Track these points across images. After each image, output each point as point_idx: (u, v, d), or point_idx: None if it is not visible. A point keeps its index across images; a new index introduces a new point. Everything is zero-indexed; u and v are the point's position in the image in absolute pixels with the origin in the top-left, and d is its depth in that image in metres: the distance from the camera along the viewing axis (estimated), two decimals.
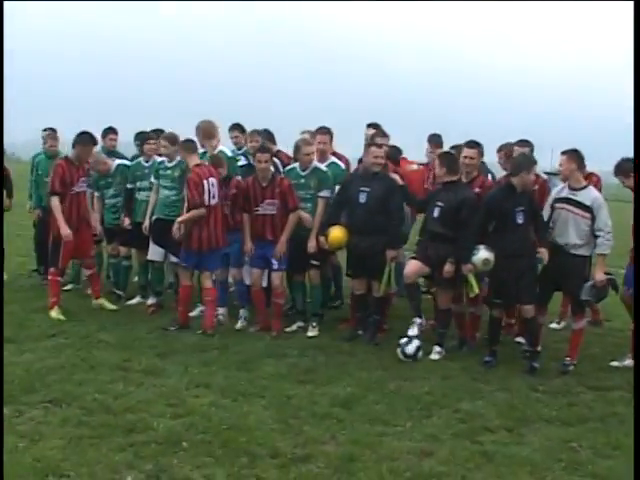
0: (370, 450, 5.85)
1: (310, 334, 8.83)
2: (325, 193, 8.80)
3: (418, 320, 8.45)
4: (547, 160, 8.87)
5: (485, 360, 8.20)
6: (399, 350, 8.27)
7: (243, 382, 7.23)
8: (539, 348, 8.27)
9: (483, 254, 7.99)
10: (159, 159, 9.96)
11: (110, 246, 10.79)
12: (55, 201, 9.31)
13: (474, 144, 8.62)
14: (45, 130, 11.57)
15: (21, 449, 5.55)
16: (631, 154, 8.28)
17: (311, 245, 8.66)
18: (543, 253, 7.99)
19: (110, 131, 11.23)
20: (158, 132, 10.64)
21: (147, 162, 10.28)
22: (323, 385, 7.29)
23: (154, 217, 9.79)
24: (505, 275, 8.02)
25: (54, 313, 9.27)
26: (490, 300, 8.36)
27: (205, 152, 9.57)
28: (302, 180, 8.94)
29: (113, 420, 6.13)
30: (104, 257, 11.36)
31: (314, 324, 8.94)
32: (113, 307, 9.88)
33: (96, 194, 10.57)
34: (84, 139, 9.59)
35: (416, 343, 8.30)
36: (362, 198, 8.64)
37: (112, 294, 10.62)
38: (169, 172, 9.74)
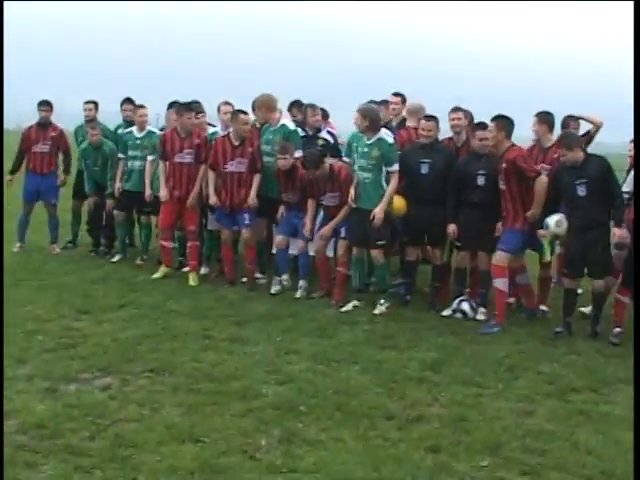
0: (475, 410, 6.04)
1: (376, 312, 8.61)
2: (395, 167, 8.59)
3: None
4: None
5: (556, 331, 8.27)
6: (454, 311, 8.71)
7: (329, 348, 7.34)
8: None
9: (555, 216, 8.09)
10: (211, 130, 9.98)
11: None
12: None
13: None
14: (89, 103, 11.77)
15: (147, 416, 5.61)
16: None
17: (379, 217, 8.49)
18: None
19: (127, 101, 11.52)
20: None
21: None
22: (405, 350, 7.44)
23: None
24: (574, 247, 8.17)
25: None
26: (562, 270, 8.59)
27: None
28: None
29: (221, 387, 6.21)
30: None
31: (382, 301, 8.71)
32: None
33: (149, 158, 10.54)
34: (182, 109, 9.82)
35: (466, 302, 8.72)
36: (424, 169, 8.76)
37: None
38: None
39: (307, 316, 8.39)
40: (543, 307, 9.01)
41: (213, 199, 9.54)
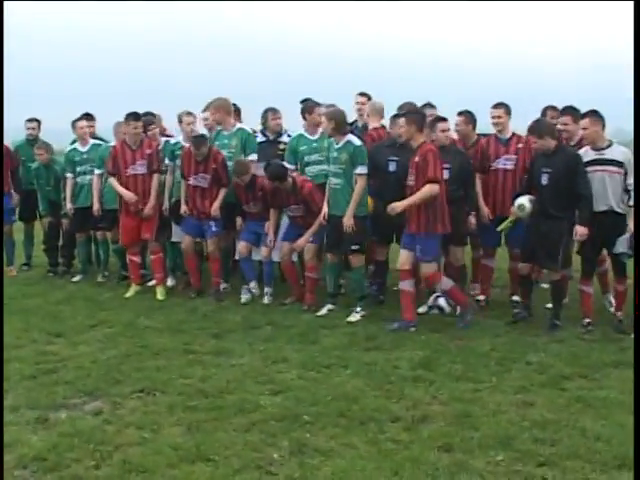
0: (476, 406, 6.02)
1: (351, 319, 8.42)
2: (362, 169, 8.44)
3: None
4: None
5: (514, 312, 8.50)
6: (430, 307, 8.76)
7: (316, 354, 7.25)
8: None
9: (520, 199, 8.13)
10: (173, 140, 9.75)
11: (112, 231, 10.56)
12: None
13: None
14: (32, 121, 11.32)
15: (149, 439, 5.41)
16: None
17: (348, 224, 8.36)
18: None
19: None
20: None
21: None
22: (391, 351, 7.40)
23: (173, 199, 9.65)
24: (530, 232, 8.22)
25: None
26: (515, 251, 8.72)
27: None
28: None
29: (217, 402, 6.06)
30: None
31: (358, 309, 8.53)
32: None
33: (97, 172, 10.32)
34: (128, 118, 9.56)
35: (443, 297, 8.66)
36: (392, 167, 8.75)
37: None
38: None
39: (285, 323, 8.27)
40: (515, 297, 9.00)
41: (183, 208, 9.43)
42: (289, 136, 9.94)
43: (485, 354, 7.28)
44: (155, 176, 9.53)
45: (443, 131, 8.66)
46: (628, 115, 8.45)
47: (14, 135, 12.23)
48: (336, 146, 8.47)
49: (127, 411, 5.94)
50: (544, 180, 8.05)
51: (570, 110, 8.76)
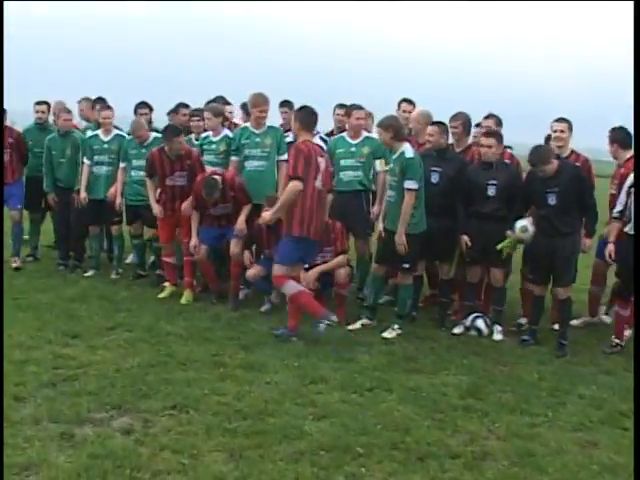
0: (537, 443, 5.61)
1: (387, 335, 7.96)
2: (410, 184, 7.87)
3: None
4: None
5: (522, 339, 8.14)
6: (468, 328, 8.33)
7: (355, 375, 6.77)
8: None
9: (523, 221, 7.92)
10: (204, 134, 9.21)
11: (133, 225, 10.02)
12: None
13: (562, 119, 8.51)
14: (41, 104, 10.67)
15: (189, 466, 4.93)
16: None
17: (401, 242, 7.89)
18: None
19: (144, 106, 10.49)
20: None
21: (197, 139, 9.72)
22: (434, 375, 6.95)
23: None
24: (540, 253, 7.97)
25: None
26: (527, 276, 8.46)
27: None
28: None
29: (258, 426, 5.56)
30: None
31: (395, 326, 8.05)
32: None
33: (121, 165, 9.77)
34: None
35: (481, 318, 8.32)
36: (434, 178, 8.28)
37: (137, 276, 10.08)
38: (214, 147, 9.04)
39: (315, 337, 7.74)
40: (522, 320, 8.77)
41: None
42: (321, 138, 9.45)
43: (534, 384, 6.88)
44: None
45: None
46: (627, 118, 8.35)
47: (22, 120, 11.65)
48: (393, 157, 8.02)
49: (160, 430, 5.43)
50: (551, 200, 7.81)
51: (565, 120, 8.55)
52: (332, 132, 9.99)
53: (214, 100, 10.03)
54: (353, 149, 8.88)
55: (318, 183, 7.62)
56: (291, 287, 7.70)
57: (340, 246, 8.52)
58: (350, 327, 8.17)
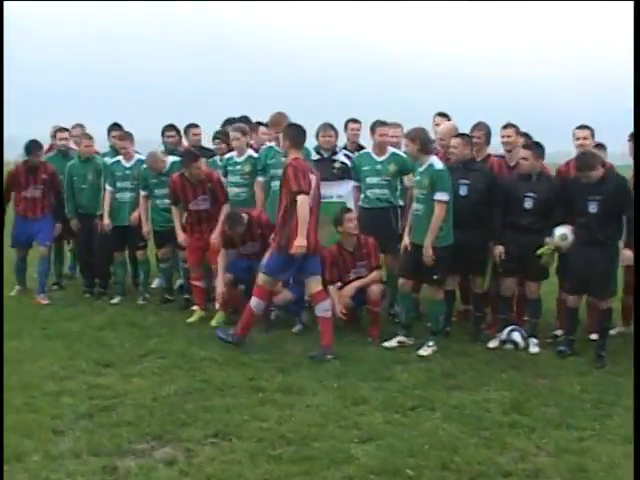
0: (588, 458, 5.49)
1: (422, 353, 7.78)
2: (441, 196, 7.77)
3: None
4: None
5: (559, 349, 8.00)
6: (504, 341, 8.17)
7: (396, 394, 6.66)
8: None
9: (563, 228, 7.76)
10: (228, 155, 9.13)
11: (161, 250, 9.88)
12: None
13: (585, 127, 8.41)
14: (62, 131, 10.63)
15: None
16: None
17: (428, 255, 7.77)
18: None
19: (193, 127, 10.53)
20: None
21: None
22: (474, 391, 6.83)
23: None
24: (577, 263, 7.79)
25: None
26: (563, 286, 8.28)
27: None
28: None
29: (303, 451, 5.44)
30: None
31: (430, 343, 7.87)
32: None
33: (142, 193, 9.66)
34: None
35: (517, 331, 8.17)
36: (462, 191, 8.16)
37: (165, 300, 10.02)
38: (239, 167, 8.95)
39: (352, 356, 7.67)
40: (558, 332, 8.60)
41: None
42: (345, 155, 9.35)
43: (577, 396, 6.75)
44: (224, 207, 8.97)
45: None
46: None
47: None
48: (419, 169, 7.89)
49: (204, 460, 5.31)
50: (592, 208, 7.67)
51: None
52: (345, 147, 9.81)
53: (238, 120, 9.98)
54: (379, 167, 8.78)
55: (310, 200, 7.58)
56: (259, 306, 7.80)
57: (374, 261, 8.42)
58: (386, 344, 8.04)
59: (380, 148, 8.92)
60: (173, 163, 9.53)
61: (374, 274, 8.39)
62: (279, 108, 9.05)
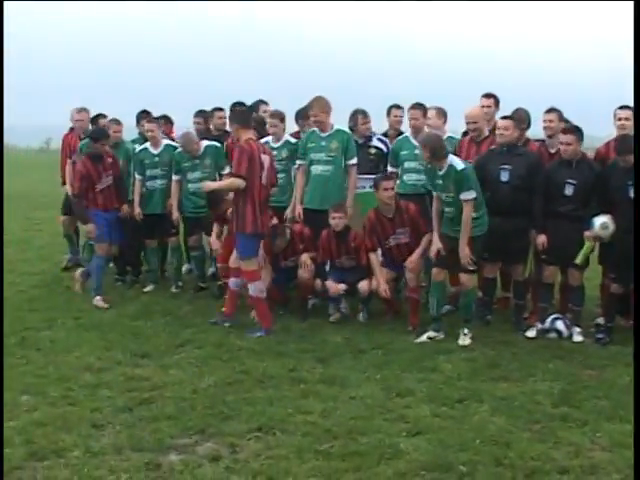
0: None
1: (462, 343, 7.59)
2: (467, 195, 7.55)
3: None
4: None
5: (598, 337, 7.83)
6: (547, 330, 7.97)
7: (440, 385, 6.48)
8: None
9: (602, 217, 7.53)
10: (264, 139, 8.93)
11: (192, 237, 9.71)
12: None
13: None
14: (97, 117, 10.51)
15: None
16: None
17: (464, 254, 7.61)
18: None
19: (218, 110, 10.39)
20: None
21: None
22: (521, 382, 6.63)
23: None
24: (621, 250, 7.60)
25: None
26: (609, 275, 8.04)
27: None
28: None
29: (351, 445, 5.29)
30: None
31: (465, 331, 7.68)
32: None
33: (175, 178, 9.47)
34: None
35: (561, 319, 7.98)
36: (504, 176, 7.94)
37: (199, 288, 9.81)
38: (275, 153, 8.77)
39: (393, 347, 7.49)
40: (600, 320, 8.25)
41: None
42: (379, 139, 9.16)
43: (627, 388, 6.46)
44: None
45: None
46: None
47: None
48: (440, 173, 7.66)
49: (249, 455, 5.17)
50: (631, 193, 7.44)
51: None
52: (386, 133, 9.68)
53: (255, 104, 9.92)
54: (417, 151, 8.56)
55: (264, 180, 7.76)
56: (258, 289, 7.89)
57: (423, 226, 8.15)
58: (417, 341, 7.77)
59: (415, 131, 8.70)
60: (207, 147, 9.35)
61: (427, 237, 8.10)
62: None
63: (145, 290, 9.67)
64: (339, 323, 8.39)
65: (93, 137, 9.22)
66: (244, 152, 7.64)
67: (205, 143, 9.44)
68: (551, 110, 8.40)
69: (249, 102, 9.88)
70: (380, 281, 8.18)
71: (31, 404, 5.94)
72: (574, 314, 8.04)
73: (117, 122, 10.10)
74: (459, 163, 7.58)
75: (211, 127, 10.41)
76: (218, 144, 9.53)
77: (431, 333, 7.86)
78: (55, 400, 6.02)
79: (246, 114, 7.99)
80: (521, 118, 8.41)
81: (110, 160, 9.26)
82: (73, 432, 5.42)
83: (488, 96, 8.95)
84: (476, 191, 7.57)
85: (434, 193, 7.86)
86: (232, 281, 8.14)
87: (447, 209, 7.72)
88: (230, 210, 8.07)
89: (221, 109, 10.33)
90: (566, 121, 8.44)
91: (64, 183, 10.65)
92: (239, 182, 7.63)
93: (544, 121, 8.37)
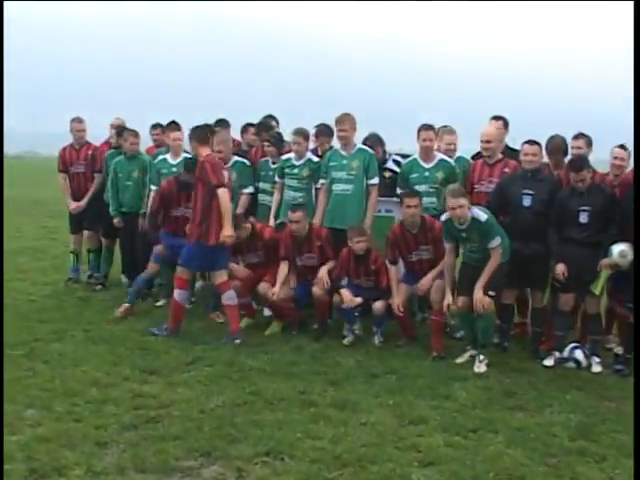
0: None
1: (477, 370, 7.43)
2: (497, 241, 7.57)
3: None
4: None
5: (616, 368, 7.62)
6: (566, 359, 7.76)
7: (455, 414, 6.30)
8: None
9: (621, 245, 7.38)
10: (285, 156, 8.82)
11: None
12: None
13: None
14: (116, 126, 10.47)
15: None
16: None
17: (479, 297, 7.54)
18: None
19: (249, 126, 10.26)
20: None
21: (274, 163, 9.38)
22: (537, 413, 6.45)
23: (278, 220, 8.73)
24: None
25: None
26: (626, 305, 7.74)
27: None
28: None
29: (361, 475, 5.16)
30: None
31: (481, 357, 7.54)
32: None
33: None
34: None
35: (580, 349, 7.77)
36: (526, 201, 7.81)
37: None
38: (296, 171, 8.65)
39: (407, 372, 7.32)
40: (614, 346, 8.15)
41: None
42: (394, 161, 9.04)
43: None
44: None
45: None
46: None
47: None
48: (462, 227, 7.65)
49: None
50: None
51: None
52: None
53: (265, 119, 9.97)
54: (427, 174, 8.41)
55: None
56: (229, 297, 8.15)
57: (441, 248, 8.02)
58: (459, 360, 7.72)
59: (426, 154, 8.55)
60: (235, 162, 9.29)
61: (442, 264, 7.96)
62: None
63: (157, 304, 9.56)
64: (352, 345, 8.22)
65: (187, 166, 8.94)
66: (215, 164, 7.98)
67: (235, 158, 9.33)
68: (579, 136, 8.25)
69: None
70: (395, 296, 8.02)
71: (35, 419, 5.83)
72: (593, 343, 7.84)
73: (135, 134, 10.06)
74: (481, 214, 7.50)
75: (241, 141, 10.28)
76: (247, 162, 9.43)
77: (472, 351, 7.78)
78: (60, 415, 5.92)
79: (205, 132, 8.16)
80: (558, 147, 8.26)
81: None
82: (76, 450, 5.31)
83: (497, 118, 8.85)
84: (500, 235, 7.50)
85: (447, 245, 7.78)
86: (225, 296, 8.20)
87: (472, 255, 7.69)
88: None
89: (252, 125, 10.16)
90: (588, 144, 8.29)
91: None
92: (225, 192, 7.93)
93: (572, 147, 8.22)
